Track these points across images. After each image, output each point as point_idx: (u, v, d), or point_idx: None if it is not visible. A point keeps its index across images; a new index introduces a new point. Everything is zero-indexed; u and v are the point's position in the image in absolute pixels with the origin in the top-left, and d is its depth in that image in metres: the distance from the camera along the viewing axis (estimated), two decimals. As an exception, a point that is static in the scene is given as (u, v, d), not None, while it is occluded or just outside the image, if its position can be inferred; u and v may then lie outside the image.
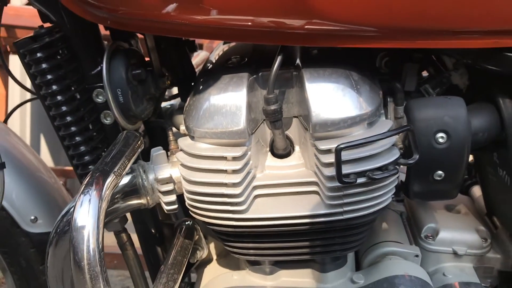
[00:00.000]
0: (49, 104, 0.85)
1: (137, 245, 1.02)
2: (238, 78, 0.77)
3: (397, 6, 0.68)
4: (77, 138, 0.87)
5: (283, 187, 0.77)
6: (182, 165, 0.78)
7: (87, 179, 0.68)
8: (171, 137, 0.91)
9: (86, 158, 0.89)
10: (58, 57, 0.83)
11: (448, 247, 0.93)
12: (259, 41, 0.76)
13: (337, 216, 0.75)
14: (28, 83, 1.05)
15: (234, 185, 0.73)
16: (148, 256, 1.08)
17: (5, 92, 2.31)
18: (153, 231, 1.04)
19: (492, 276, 0.96)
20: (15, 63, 2.34)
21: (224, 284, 0.86)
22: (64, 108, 0.85)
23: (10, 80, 2.29)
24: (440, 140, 0.76)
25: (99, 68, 0.84)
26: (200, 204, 0.77)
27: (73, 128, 0.87)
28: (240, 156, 0.73)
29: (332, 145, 0.71)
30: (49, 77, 0.83)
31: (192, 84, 0.94)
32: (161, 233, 1.05)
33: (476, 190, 1.07)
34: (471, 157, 1.01)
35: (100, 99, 0.86)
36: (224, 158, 0.74)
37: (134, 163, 0.80)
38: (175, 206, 0.82)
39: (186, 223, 0.95)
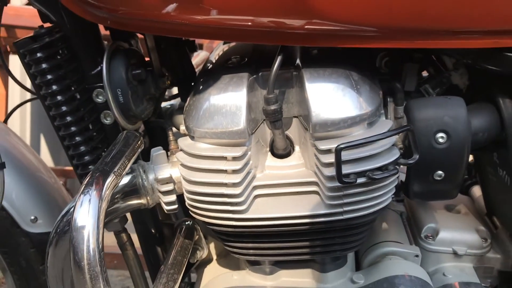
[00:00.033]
0: (49, 104, 0.85)
1: (137, 245, 1.02)
2: (238, 78, 0.77)
3: (397, 6, 0.68)
4: (77, 138, 0.87)
5: (283, 187, 0.77)
6: (182, 165, 0.78)
7: (87, 179, 0.68)
8: (171, 137, 0.91)
9: (86, 158, 0.89)
10: (58, 57, 0.83)
11: (448, 247, 0.93)
12: (259, 41, 0.76)
13: (337, 216, 0.75)
14: (28, 83, 1.05)
15: (234, 185, 0.74)
16: (148, 256, 1.08)
17: (5, 92, 2.31)
18: (153, 231, 1.04)
19: (492, 276, 0.96)
20: (15, 63, 2.34)
21: (224, 284, 0.86)
22: (64, 108, 0.85)
23: (10, 80, 2.29)
24: (440, 140, 0.76)
25: (99, 68, 0.84)
26: (200, 204, 0.77)
27: (73, 128, 0.87)
28: (240, 156, 0.74)
29: (332, 145, 0.71)
30: (49, 77, 0.83)
31: (192, 84, 0.94)
32: (161, 233, 1.05)
33: (476, 190, 1.08)
34: (471, 157, 1.01)
35: (100, 99, 0.86)
36: (224, 158, 0.74)
37: (134, 163, 0.80)
38: (175, 206, 0.82)
39: (186, 223, 0.95)
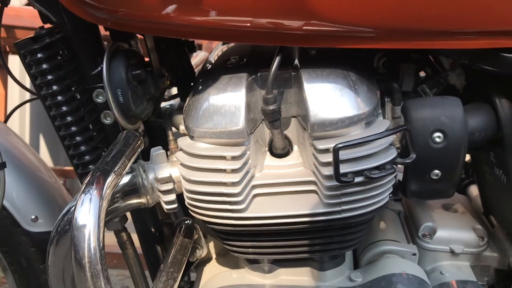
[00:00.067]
0: (50, 104, 0.86)
1: (137, 244, 1.02)
2: (237, 79, 0.77)
3: (394, 7, 0.68)
4: (77, 138, 0.88)
5: (282, 186, 0.77)
6: (182, 164, 0.78)
7: (87, 179, 0.69)
8: (170, 137, 0.91)
9: (86, 157, 0.89)
10: (59, 57, 0.84)
11: (445, 246, 0.93)
12: (257, 42, 0.76)
13: (335, 214, 0.75)
14: (27, 83, 1.06)
15: (233, 184, 0.74)
16: (148, 255, 1.08)
17: (5, 92, 2.31)
18: (153, 230, 1.05)
19: (489, 274, 0.96)
20: (14, 63, 2.35)
21: (223, 282, 0.87)
22: (64, 108, 0.85)
23: (9, 80, 2.30)
24: (437, 139, 0.77)
25: (99, 68, 0.85)
26: (200, 203, 0.77)
27: (73, 128, 0.87)
28: (239, 155, 0.74)
29: (330, 144, 0.71)
30: (49, 77, 0.83)
31: (192, 84, 0.95)
32: (161, 232, 1.05)
33: (473, 189, 1.08)
34: (468, 157, 1.02)
35: (100, 99, 0.86)
36: (223, 157, 0.75)
37: (134, 162, 0.80)
38: (175, 205, 0.82)
39: (186, 222, 0.95)
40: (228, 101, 0.75)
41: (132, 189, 0.81)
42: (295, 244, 0.80)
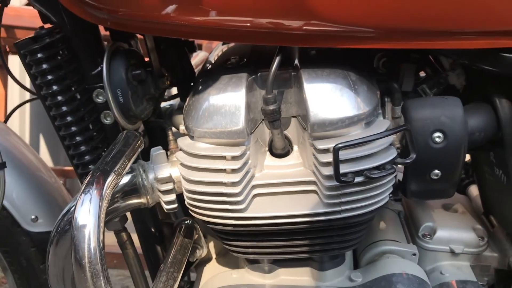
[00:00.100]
0: (50, 104, 0.86)
1: (137, 244, 1.02)
2: (237, 79, 0.77)
3: (394, 8, 0.68)
4: (78, 138, 0.88)
5: (282, 186, 0.77)
6: (182, 164, 0.78)
7: (88, 178, 0.69)
8: (170, 137, 0.91)
9: (86, 157, 0.89)
10: (59, 57, 0.84)
11: (445, 246, 0.93)
12: (257, 42, 0.76)
13: (335, 214, 0.75)
14: (27, 83, 1.06)
15: (233, 184, 0.74)
16: (148, 255, 1.09)
17: (4, 92, 2.31)
18: (153, 230, 1.05)
19: (489, 274, 0.96)
20: (14, 63, 2.35)
21: (223, 282, 0.87)
22: (64, 108, 0.86)
23: (9, 80, 2.30)
24: (437, 139, 0.77)
25: (99, 68, 0.85)
26: (200, 203, 0.78)
27: (73, 128, 0.87)
28: (239, 155, 0.74)
29: (330, 144, 0.71)
30: (49, 77, 0.83)
31: (192, 84, 0.95)
32: (161, 232, 1.06)
33: (474, 189, 1.08)
34: (468, 157, 1.02)
35: (100, 99, 0.86)
36: (223, 157, 0.75)
37: (134, 162, 0.80)
38: (175, 205, 0.82)
39: (186, 222, 0.96)
40: (228, 101, 0.75)
41: (132, 189, 0.81)
42: (295, 244, 0.80)
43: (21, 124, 2.79)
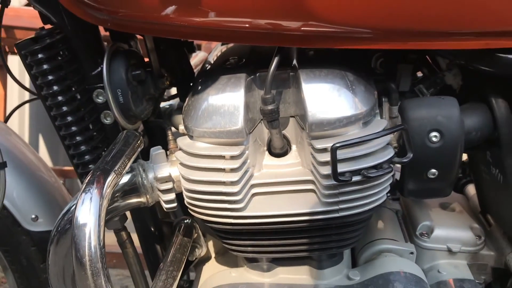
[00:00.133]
0: (50, 105, 0.86)
1: (137, 244, 1.03)
2: (236, 79, 0.78)
3: (391, 9, 0.69)
4: (78, 138, 0.88)
5: (280, 186, 0.78)
6: (181, 164, 0.79)
7: (88, 178, 0.69)
8: (170, 137, 0.92)
9: (87, 157, 0.90)
10: (59, 58, 0.84)
11: (443, 245, 0.94)
12: (256, 43, 0.77)
13: (333, 213, 0.76)
14: (26, 83, 1.07)
15: (232, 183, 0.75)
16: (147, 254, 1.09)
17: (4, 92, 2.31)
18: (152, 229, 1.05)
19: (486, 273, 0.97)
20: (13, 63, 2.35)
21: (222, 281, 0.87)
22: (64, 108, 0.86)
23: (8, 80, 2.30)
24: (434, 139, 0.77)
25: (100, 69, 0.85)
26: (199, 202, 0.78)
27: (73, 128, 0.88)
28: (238, 155, 0.75)
29: (328, 144, 0.72)
30: (50, 77, 0.84)
31: (191, 84, 0.95)
32: (160, 232, 1.06)
33: (471, 189, 1.09)
34: (465, 156, 1.03)
35: (100, 100, 0.87)
36: (222, 157, 0.76)
37: (134, 162, 0.81)
38: (174, 205, 0.83)
39: (185, 221, 0.96)
40: (227, 101, 0.76)
41: (132, 188, 0.82)
42: (294, 242, 0.81)
43: (20, 124, 2.79)
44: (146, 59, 0.95)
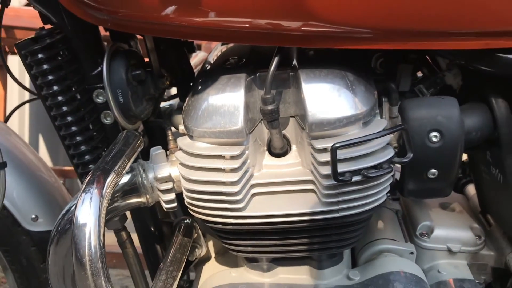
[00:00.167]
0: (50, 105, 0.86)
1: (137, 244, 1.03)
2: (236, 79, 0.78)
3: (391, 9, 0.69)
4: (78, 138, 0.88)
5: (280, 186, 0.78)
6: (181, 164, 0.79)
7: (88, 178, 0.69)
8: (170, 137, 0.92)
9: (87, 157, 0.90)
10: (59, 58, 0.84)
11: (443, 245, 0.94)
12: (256, 43, 0.77)
13: (333, 213, 0.76)
14: (26, 83, 1.07)
15: (232, 183, 0.75)
16: (147, 254, 1.09)
17: (4, 92, 2.31)
18: (152, 229, 1.06)
19: (486, 272, 0.97)
20: (13, 63, 2.35)
21: (222, 281, 0.87)
22: (65, 108, 0.86)
23: (8, 80, 2.30)
24: (434, 139, 0.77)
25: (100, 69, 0.85)
26: (199, 202, 0.78)
27: (73, 128, 0.88)
28: (238, 155, 0.75)
29: (328, 144, 0.72)
30: (50, 77, 0.84)
31: (191, 84, 0.95)
32: (160, 232, 1.06)
33: (471, 189, 1.09)
34: (465, 156, 1.03)
35: (100, 100, 0.87)
36: (222, 157, 0.76)
37: (134, 162, 0.81)
38: (174, 205, 0.83)
39: (185, 221, 0.96)
40: (227, 101, 0.76)
41: (132, 188, 0.82)
42: (294, 242, 0.81)
43: (20, 124, 2.79)
44: (146, 59, 0.95)
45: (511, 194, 0.83)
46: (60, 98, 0.85)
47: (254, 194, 0.79)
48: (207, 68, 0.91)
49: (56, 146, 2.88)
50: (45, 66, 0.83)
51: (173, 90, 1.04)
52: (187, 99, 0.82)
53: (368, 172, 0.72)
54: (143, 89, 0.91)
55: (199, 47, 2.13)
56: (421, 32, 0.71)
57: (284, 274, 0.87)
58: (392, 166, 0.74)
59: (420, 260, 0.93)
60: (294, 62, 0.79)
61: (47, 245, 0.78)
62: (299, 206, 0.76)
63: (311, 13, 0.69)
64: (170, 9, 0.71)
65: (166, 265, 0.85)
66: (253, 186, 0.78)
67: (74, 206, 0.68)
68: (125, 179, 0.81)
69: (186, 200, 0.81)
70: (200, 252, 0.97)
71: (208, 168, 0.76)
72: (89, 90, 0.87)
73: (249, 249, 0.82)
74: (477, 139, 0.82)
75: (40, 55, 0.82)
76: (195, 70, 1.04)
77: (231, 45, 1.02)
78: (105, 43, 0.90)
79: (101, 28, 0.86)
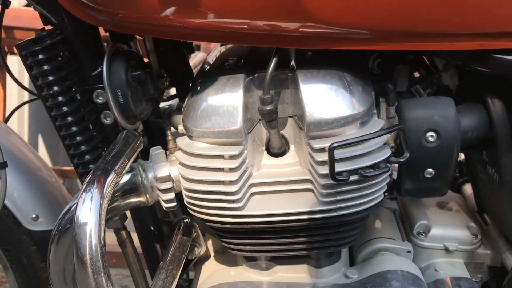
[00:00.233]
0: (51, 105, 0.87)
1: (137, 243, 1.03)
2: (235, 79, 0.78)
3: (389, 10, 0.70)
4: (78, 138, 0.89)
5: (279, 185, 0.79)
6: (181, 163, 0.79)
7: (88, 177, 0.70)
8: (169, 137, 0.92)
9: (87, 157, 0.90)
10: (59, 58, 0.85)
11: (440, 243, 0.95)
12: (255, 44, 0.77)
13: (331, 212, 0.76)
14: (26, 83, 1.07)
15: (231, 183, 0.75)
16: (147, 253, 1.09)
17: (3, 93, 2.32)
18: (152, 228, 1.06)
19: (482, 271, 0.97)
20: (13, 63, 2.36)
21: (221, 279, 0.88)
22: (65, 109, 0.87)
23: (8, 80, 2.30)
24: (430, 139, 0.78)
25: (100, 69, 0.86)
26: (198, 201, 0.79)
27: (74, 128, 0.88)
28: (236, 154, 0.75)
29: (326, 144, 0.72)
30: (50, 78, 0.84)
31: (190, 85, 0.96)
32: (160, 231, 1.07)
33: (468, 188, 1.09)
34: (462, 156, 1.03)
35: (100, 100, 0.87)
36: (221, 156, 0.76)
37: (134, 162, 0.81)
38: (174, 204, 0.84)
39: (185, 220, 0.96)
40: (226, 101, 0.76)
41: (132, 188, 0.82)
42: (292, 241, 0.81)
43: (20, 124, 2.79)
44: (146, 60, 0.96)
45: (507, 193, 0.84)
46: (60, 98, 0.86)
47: (252, 194, 0.79)
48: (206, 69, 0.92)
49: (56, 146, 2.89)
50: (45, 67, 0.83)
51: (173, 91, 1.04)
52: (186, 99, 0.83)
53: (366, 172, 0.73)
54: (142, 89, 0.91)
55: (198, 48, 2.13)
56: (418, 33, 0.72)
57: (282, 272, 0.87)
58: (389, 165, 0.75)
59: (417, 258, 0.94)
60: (292, 62, 0.80)
61: (47, 244, 0.78)
62: (297, 205, 0.77)
63: (309, 15, 0.69)
64: (170, 11, 0.72)
65: (166, 264, 0.86)
66: (251, 185, 0.79)
67: (75, 205, 0.68)
68: (125, 178, 0.82)
69: (186, 199, 0.81)
70: (200, 251, 0.98)
71: (207, 167, 0.77)
72: (89, 91, 0.88)
73: (248, 248, 0.83)
74: (474, 139, 0.83)
75: (40, 56, 0.83)
76: (194, 71, 1.04)
77: (230, 46, 1.03)
78: (105, 44, 0.90)
79: (101, 29, 0.87)
